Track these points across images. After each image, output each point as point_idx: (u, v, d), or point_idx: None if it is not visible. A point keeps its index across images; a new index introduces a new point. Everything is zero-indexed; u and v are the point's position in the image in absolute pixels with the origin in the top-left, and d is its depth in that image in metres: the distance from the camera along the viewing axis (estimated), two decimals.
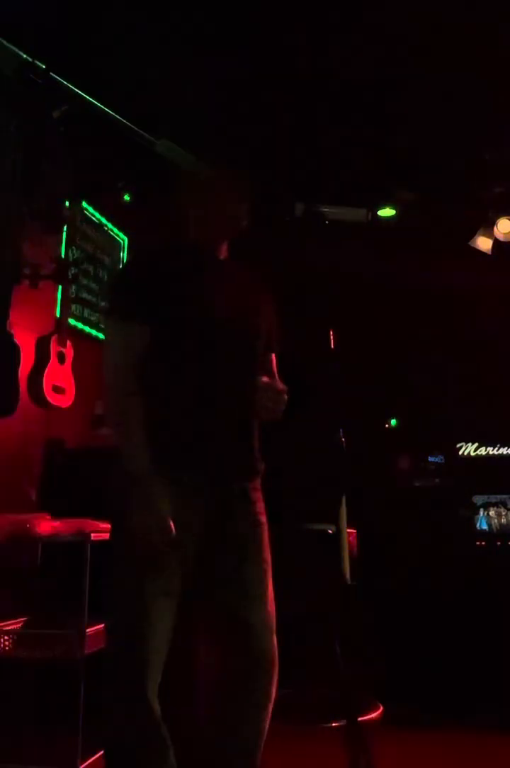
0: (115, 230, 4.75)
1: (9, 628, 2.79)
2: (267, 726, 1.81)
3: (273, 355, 2.11)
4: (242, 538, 1.85)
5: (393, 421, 5.36)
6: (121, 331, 1.84)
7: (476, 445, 5.01)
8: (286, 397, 1.83)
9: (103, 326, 4.51)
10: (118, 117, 3.70)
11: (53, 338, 3.49)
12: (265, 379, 1.88)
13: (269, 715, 1.81)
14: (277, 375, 2.08)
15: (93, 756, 2.53)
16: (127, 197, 4.17)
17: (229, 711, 1.78)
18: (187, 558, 1.76)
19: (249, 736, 1.78)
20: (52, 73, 3.34)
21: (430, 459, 5.03)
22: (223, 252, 2.05)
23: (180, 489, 1.74)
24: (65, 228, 3.81)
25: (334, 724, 2.55)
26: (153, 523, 1.68)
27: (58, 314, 3.63)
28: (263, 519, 1.92)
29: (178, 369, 1.83)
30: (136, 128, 3.80)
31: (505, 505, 4.41)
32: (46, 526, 2.69)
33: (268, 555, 1.89)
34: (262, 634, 1.81)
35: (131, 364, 1.80)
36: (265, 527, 1.92)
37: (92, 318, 4.41)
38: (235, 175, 2.04)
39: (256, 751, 1.78)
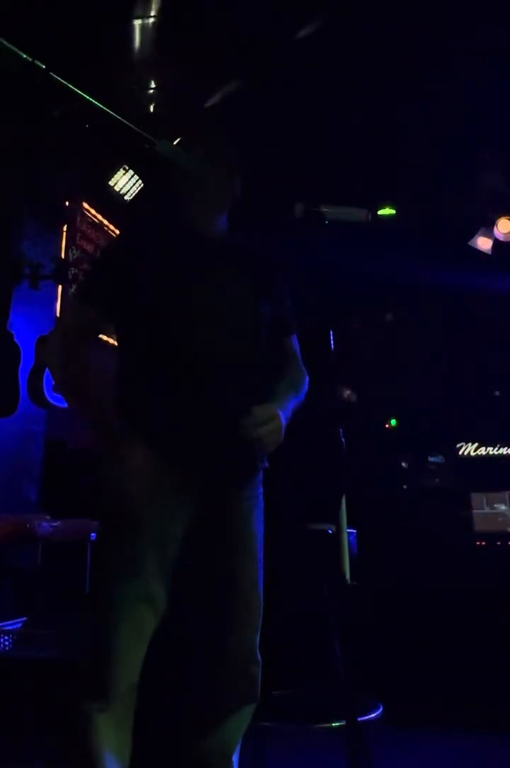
0: (116, 230, 4.75)
1: (9, 628, 2.79)
2: (244, 727, 1.71)
3: (292, 338, 1.91)
4: (230, 548, 1.69)
5: (393, 421, 5.36)
6: (75, 310, 1.79)
7: (476, 445, 5.01)
8: (278, 422, 1.63)
9: None
10: (118, 117, 3.71)
11: None
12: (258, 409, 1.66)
13: (248, 716, 1.72)
14: (298, 358, 1.90)
15: None
16: (127, 197, 4.17)
17: (207, 712, 1.67)
18: (168, 560, 1.60)
19: (226, 738, 1.68)
20: (52, 73, 3.35)
21: (430, 459, 5.03)
22: (220, 227, 1.85)
23: (159, 489, 1.60)
24: (65, 228, 3.81)
25: (334, 724, 2.55)
26: (125, 471, 1.58)
27: (58, 314, 3.63)
28: (255, 529, 1.74)
29: (159, 363, 1.68)
30: (136, 128, 3.80)
31: None
32: (46, 526, 2.69)
33: (256, 567, 1.72)
34: (244, 646, 1.68)
35: (81, 343, 1.72)
36: (257, 539, 1.74)
37: None
38: (215, 130, 1.89)
39: (233, 750, 1.70)
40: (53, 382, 1.80)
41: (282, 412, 1.67)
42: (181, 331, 1.67)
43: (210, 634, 1.67)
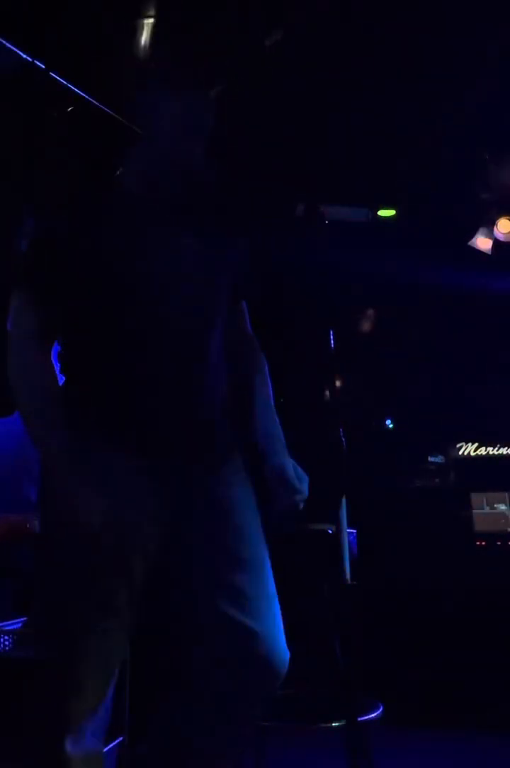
0: None
1: (9, 628, 2.78)
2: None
3: (241, 304, 1.73)
4: (218, 537, 1.49)
5: (390, 422, 5.37)
6: (27, 313, 1.51)
7: (476, 445, 5.02)
8: (304, 487, 1.54)
9: None
10: (118, 116, 3.71)
11: None
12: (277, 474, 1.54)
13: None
14: (251, 335, 1.74)
15: None
16: None
17: (223, 712, 1.48)
18: (132, 569, 1.41)
19: (231, 739, 1.53)
20: (52, 73, 3.35)
21: (430, 459, 5.04)
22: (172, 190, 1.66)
23: (116, 484, 1.40)
24: None
25: (334, 724, 2.55)
26: (86, 500, 1.34)
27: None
28: (251, 514, 1.55)
29: (104, 337, 1.50)
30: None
31: None
32: None
33: (259, 544, 1.54)
34: (268, 639, 1.49)
35: (35, 336, 1.49)
36: (249, 515, 1.55)
37: None
38: (184, 77, 1.66)
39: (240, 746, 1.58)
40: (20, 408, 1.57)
41: (286, 450, 1.59)
42: (132, 306, 1.49)
43: (231, 642, 1.47)
